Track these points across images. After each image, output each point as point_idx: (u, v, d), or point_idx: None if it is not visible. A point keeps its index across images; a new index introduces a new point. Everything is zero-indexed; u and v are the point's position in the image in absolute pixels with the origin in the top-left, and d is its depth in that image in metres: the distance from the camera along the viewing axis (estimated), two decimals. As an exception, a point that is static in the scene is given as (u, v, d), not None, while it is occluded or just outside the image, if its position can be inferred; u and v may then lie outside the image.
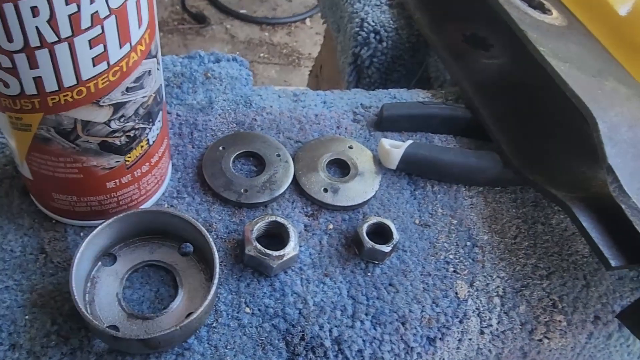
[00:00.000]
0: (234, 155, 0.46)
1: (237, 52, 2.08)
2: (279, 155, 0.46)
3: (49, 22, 0.27)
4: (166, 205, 0.43)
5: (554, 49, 0.47)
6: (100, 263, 0.39)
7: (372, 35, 0.61)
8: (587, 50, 0.50)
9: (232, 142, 0.47)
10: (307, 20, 2.30)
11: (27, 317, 0.36)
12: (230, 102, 0.51)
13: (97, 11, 0.28)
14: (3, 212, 0.41)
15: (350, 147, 0.48)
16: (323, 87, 1.03)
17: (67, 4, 0.27)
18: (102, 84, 0.32)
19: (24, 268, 0.38)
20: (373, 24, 0.61)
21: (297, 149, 0.48)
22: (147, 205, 0.42)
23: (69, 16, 0.28)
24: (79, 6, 0.28)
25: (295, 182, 0.45)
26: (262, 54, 2.15)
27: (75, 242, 0.40)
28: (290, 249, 0.40)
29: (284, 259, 0.39)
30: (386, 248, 0.41)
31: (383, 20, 0.62)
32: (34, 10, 0.27)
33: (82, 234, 0.41)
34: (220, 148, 0.46)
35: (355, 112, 0.52)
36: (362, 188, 0.45)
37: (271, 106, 0.51)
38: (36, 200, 0.41)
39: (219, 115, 0.49)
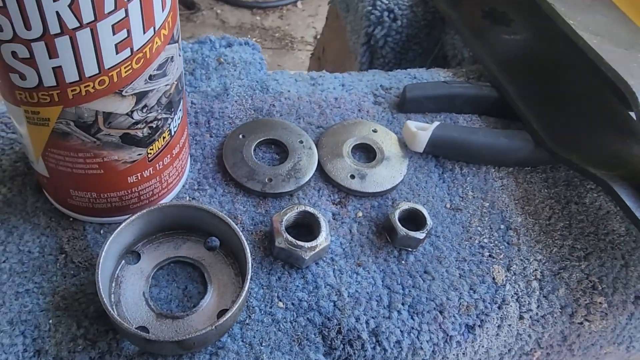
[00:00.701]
0: (255, 143, 0.44)
1: (230, 37, 2.04)
2: (301, 142, 0.44)
3: (70, 6, 0.25)
4: (187, 198, 0.41)
5: (583, 21, 0.45)
6: (123, 261, 0.37)
7: (386, 13, 0.59)
8: (615, 22, 0.48)
9: (251, 129, 0.45)
10: (299, 3, 2.26)
11: (51, 321, 0.34)
12: (246, 87, 0.48)
13: (120, -7, 0.26)
14: (17, 211, 0.39)
15: (375, 131, 0.46)
16: (327, 69, 1.00)
17: (89, -14, 0.25)
18: (125, 72, 0.29)
19: (44, 270, 0.36)
20: (387, 2, 0.59)
21: (320, 134, 0.46)
22: (168, 198, 0.40)
23: (92, -1, 0.25)
24: (101, -12, 0.25)
25: (320, 169, 0.44)
26: (254, 39, 2.11)
27: (95, 240, 0.38)
28: (322, 240, 0.38)
29: (317, 250, 0.38)
30: (420, 235, 0.39)
31: (396, -2, 0.60)
32: (54, -7, 0.25)
33: (102, 231, 0.39)
34: (240, 136, 0.44)
35: (376, 94, 0.50)
36: (389, 173, 0.44)
37: (289, 91, 0.49)
38: (52, 198, 0.39)
39: (235, 101, 0.47)
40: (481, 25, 0.55)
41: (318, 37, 2.13)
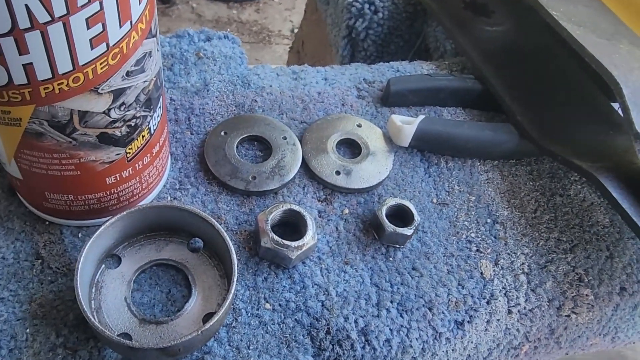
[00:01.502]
0: (238, 140, 0.43)
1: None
2: (285, 138, 0.43)
3: (40, -1, 0.24)
4: (169, 198, 0.40)
5: (566, 12, 0.45)
6: (103, 266, 0.36)
7: (367, 6, 0.58)
8: (597, 13, 0.48)
9: (233, 126, 0.43)
10: (276, -4, 2.24)
11: (27, 330, 0.33)
12: (227, 83, 0.47)
13: (94, -15, 0.25)
14: (-11, 215, 0.37)
15: (359, 126, 0.45)
16: (307, 62, 0.99)
17: (60, -23, 0.24)
18: (101, 68, 0.28)
19: (19, 276, 0.35)
20: (367, -7, 0.58)
21: (303, 130, 0.45)
22: (148, 199, 0.39)
23: (64, -9, 0.24)
24: (74, -21, 0.24)
25: (304, 165, 0.43)
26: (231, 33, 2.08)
27: (73, 245, 0.37)
28: (309, 238, 0.37)
29: (303, 249, 0.37)
30: (408, 231, 0.39)
31: (377, -10, 0.59)
32: (23, -14, 0.23)
33: (80, 234, 0.37)
34: (222, 133, 0.43)
35: (359, 87, 0.50)
36: (375, 168, 0.43)
37: (271, 85, 0.48)
38: (26, 201, 0.37)
39: (216, 97, 0.46)
40: (463, 16, 0.54)
41: (295, 30, 2.11)
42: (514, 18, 0.53)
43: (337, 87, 0.49)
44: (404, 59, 0.56)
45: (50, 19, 0.25)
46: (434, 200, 0.43)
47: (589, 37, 0.43)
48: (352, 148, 0.45)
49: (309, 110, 0.47)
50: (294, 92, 0.48)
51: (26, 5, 0.24)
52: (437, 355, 0.38)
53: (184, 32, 0.50)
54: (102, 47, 0.27)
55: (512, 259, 0.41)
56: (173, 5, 2.06)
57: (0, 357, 0.32)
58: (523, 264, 0.41)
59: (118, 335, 0.32)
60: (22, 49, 0.25)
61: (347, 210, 0.41)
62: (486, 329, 0.39)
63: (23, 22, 0.24)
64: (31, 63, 0.26)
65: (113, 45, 0.28)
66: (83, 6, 0.25)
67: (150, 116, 0.34)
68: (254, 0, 2.21)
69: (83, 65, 0.27)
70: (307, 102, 0.47)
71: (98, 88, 0.29)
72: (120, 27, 0.27)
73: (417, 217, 0.39)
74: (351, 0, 0.58)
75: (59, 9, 0.25)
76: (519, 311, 0.40)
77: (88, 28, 0.26)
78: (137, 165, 0.35)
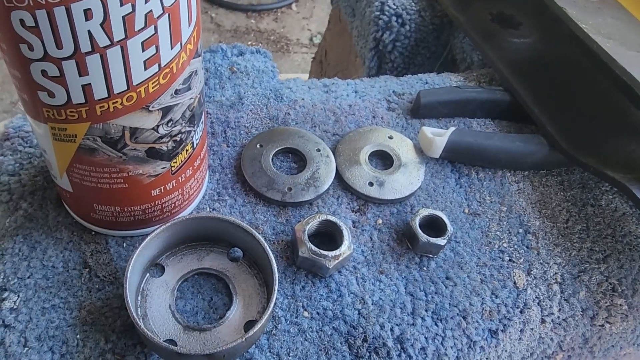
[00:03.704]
0: (273, 152, 0.44)
1: (224, 41, 2.04)
2: (318, 150, 0.45)
3: (102, 25, 0.25)
4: (208, 208, 0.41)
5: (595, 25, 0.45)
6: (148, 274, 0.37)
7: (394, 18, 0.59)
8: (625, 25, 0.48)
9: (268, 138, 0.45)
10: (294, 5, 2.26)
11: (78, 336, 0.34)
12: (260, 96, 0.49)
13: (151, 10, 0.26)
14: (39, 226, 0.39)
15: (390, 137, 0.46)
16: (329, 72, 1.00)
17: (121, 5, 0.25)
18: (153, 87, 0.29)
19: (68, 284, 0.36)
20: (394, 6, 0.59)
21: (336, 142, 0.46)
22: (188, 210, 0.40)
23: (123, 17, 0.26)
24: (133, 6, 0.25)
25: (338, 177, 0.44)
26: (249, 42, 2.11)
27: (118, 254, 0.38)
28: (345, 248, 0.38)
29: (340, 258, 0.38)
30: (442, 241, 0.40)
31: (404, 3, 0.60)
32: (87, 13, 0.25)
33: (124, 244, 0.39)
34: (258, 146, 0.44)
35: (389, 100, 0.51)
36: (407, 179, 0.44)
37: (303, 99, 0.49)
38: (74, 212, 0.39)
39: (251, 110, 0.47)
40: (490, 28, 0.55)
41: (314, 39, 2.14)
42: (541, 30, 0.53)
43: (368, 99, 0.50)
44: (430, 70, 0.57)
45: (109, 42, 0.26)
46: (466, 211, 0.44)
47: (619, 49, 0.43)
48: (384, 159, 0.46)
49: (341, 123, 0.48)
50: (326, 105, 0.49)
51: (89, 31, 0.25)
52: (472, 363, 0.39)
53: (217, 47, 0.52)
54: (154, 68, 0.29)
55: (545, 269, 0.41)
56: (194, 16, 2.09)
57: (53, 362, 0.33)
58: (556, 273, 0.41)
59: (164, 342, 0.33)
60: (82, 71, 0.27)
61: (380, 221, 0.42)
62: (520, 338, 0.40)
63: (85, 46, 0.26)
64: (90, 84, 0.28)
65: (164, 66, 0.29)
66: (139, 30, 0.27)
67: (194, 131, 0.35)
68: (272, 10, 2.24)
69: (137, 85, 0.29)
70: (339, 115, 0.48)
71: (149, 106, 0.30)
72: (172, 48, 0.29)
73: (449, 227, 0.40)
74: (378, 13, 0.60)
75: (118, 34, 0.26)
76: (552, 320, 0.40)
77: (143, 50, 0.28)
78: (180, 178, 0.37)
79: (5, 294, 0.35)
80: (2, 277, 0.36)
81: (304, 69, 1.97)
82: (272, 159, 0.44)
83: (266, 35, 2.16)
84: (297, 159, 0.45)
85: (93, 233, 0.39)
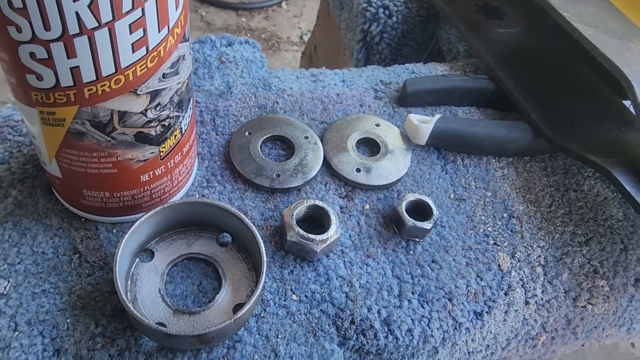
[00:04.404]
0: (261, 140, 0.44)
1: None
2: (306, 137, 0.45)
3: (89, 6, 0.26)
4: (197, 195, 0.42)
5: (577, 13, 0.46)
6: (138, 259, 0.37)
7: (381, 10, 0.60)
8: (607, 14, 0.49)
9: (257, 126, 0.45)
10: (284, 4, 2.26)
11: (68, 320, 0.35)
12: (249, 85, 0.49)
13: (138, -8, 0.27)
14: (29, 213, 0.39)
15: (377, 125, 0.47)
16: (318, 66, 1.01)
17: (108, -14, 0.25)
18: (141, 71, 0.30)
19: (58, 270, 0.37)
20: (381, -2, 0.60)
21: (324, 129, 0.47)
22: (178, 196, 0.41)
23: (110, -1, 0.26)
24: (120, -12, 0.26)
25: (326, 163, 0.44)
26: (240, 40, 2.10)
27: (108, 240, 0.39)
28: (333, 232, 0.39)
29: (327, 242, 0.38)
30: (428, 225, 0.40)
31: (391, -6, 0.61)
32: (75, -6, 0.25)
33: (114, 230, 0.39)
34: (246, 133, 0.45)
35: (376, 89, 0.51)
36: (394, 166, 0.45)
37: (291, 88, 0.50)
38: (63, 198, 0.39)
39: (239, 99, 0.48)
40: (475, 19, 0.56)
41: (304, 37, 2.14)
42: (525, 20, 0.54)
43: (355, 88, 0.51)
44: (417, 61, 0.57)
45: (97, 24, 0.27)
46: (452, 196, 0.45)
47: (600, 37, 0.44)
48: (371, 147, 0.47)
49: (329, 111, 0.48)
50: (314, 94, 0.49)
51: (76, 12, 0.26)
52: (457, 344, 0.39)
53: (206, 38, 0.52)
54: (142, 51, 0.29)
55: (529, 252, 0.42)
56: (184, 14, 2.09)
57: (43, 345, 0.33)
58: (539, 256, 0.42)
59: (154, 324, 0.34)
60: (70, 53, 0.27)
61: (367, 206, 0.43)
62: (504, 320, 0.40)
63: (73, 28, 0.26)
64: (78, 66, 0.28)
65: (152, 49, 0.30)
66: (127, 12, 0.27)
67: (182, 116, 0.36)
68: (263, 8, 2.24)
69: (124, 67, 0.29)
70: (327, 103, 0.49)
71: (137, 89, 0.31)
72: (159, 31, 0.29)
73: (435, 212, 0.41)
74: (366, 5, 0.60)
75: (106, 15, 0.26)
76: (536, 302, 0.41)
77: (130, 33, 0.28)
78: (169, 163, 0.37)
79: (-5, 279, 0.35)
80: (-9, 262, 0.36)
81: (294, 67, 1.97)
82: (261, 147, 0.44)
83: (257, 33, 2.16)
84: (286, 147, 0.45)
85: (83, 219, 0.39)
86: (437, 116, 0.46)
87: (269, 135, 0.45)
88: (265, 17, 2.21)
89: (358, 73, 0.53)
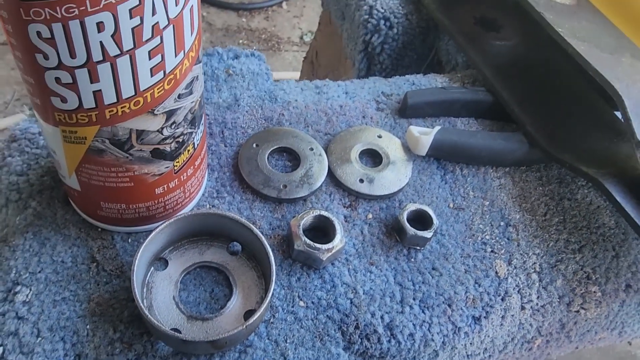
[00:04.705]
0: (269, 151, 0.46)
1: (215, 40, 2.05)
2: (311, 149, 0.47)
3: (112, 36, 0.28)
4: (207, 205, 0.44)
5: (570, 28, 0.48)
6: (153, 268, 0.39)
7: (382, 22, 0.62)
8: (600, 28, 0.51)
9: (264, 138, 0.47)
10: (284, 4, 2.28)
11: (88, 326, 0.37)
12: (256, 98, 0.51)
13: (157, 22, 0.29)
14: (48, 223, 0.41)
15: (379, 136, 0.49)
16: (320, 73, 1.03)
17: (131, 17, 0.27)
18: (158, 93, 0.32)
19: (77, 278, 0.38)
20: (382, 10, 0.62)
21: (328, 141, 0.49)
22: (189, 207, 0.43)
23: (132, 29, 0.28)
24: (142, 19, 0.28)
25: (330, 174, 0.46)
26: (240, 41, 2.12)
27: (124, 249, 0.40)
28: (338, 241, 0.41)
29: (333, 251, 0.40)
30: (428, 234, 0.42)
31: (392, 7, 0.62)
32: (100, 26, 0.27)
33: (129, 240, 0.41)
34: (254, 145, 0.46)
35: (378, 100, 0.53)
36: (395, 176, 0.46)
37: (296, 100, 0.51)
38: (81, 210, 0.41)
39: (247, 112, 0.50)
40: (473, 31, 0.58)
41: (304, 37, 2.16)
42: (522, 33, 0.56)
43: (358, 100, 0.53)
44: (417, 71, 0.59)
45: (119, 52, 0.28)
46: (451, 205, 0.46)
47: (592, 51, 0.46)
48: (373, 157, 0.49)
49: (332, 123, 0.50)
50: (318, 106, 0.51)
51: (101, 42, 0.28)
52: (457, 348, 0.41)
53: (213, 51, 0.54)
54: (160, 75, 0.31)
55: (525, 259, 0.44)
56: (185, 16, 2.10)
57: (64, 350, 0.35)
58: (535, 263, 0.44)
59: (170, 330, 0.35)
60: (93, 78, 0.29)
61: (370, 215, 0.45)
62: (501, 324, 0.42)
63: (96, 56, 0.28)
64: (100, 90, 0.30)
65: (169, 72, 0.31)
66: (147, 41, 0.29)
67: (195, 132, 0.38)
68: (263, 8, 2.25)
69: (143, 90, 0.31)
70: (330, 115, 0.51)
71: (154, 110, 0.33)
72: (176, 56, 0.31)
73: (435, 221, 0.43)
74: (367, 16, 0.62)
75: (128, 44, 0.28)
76: (531, 307, 0.43)
77: (150, 59, 0.30)
78: (182, 176, 0.39)
79: (18, 288, 0.37)
80: (14, 272, 0.38)
81: (295, 67, 1.99)
82: (268, 158, 0.46)
83: (257, 33, 2.18)
84: (292, 158, 0.47)
85: (99, 229, 0.41)
86: (437, 128, 0.47)
87: (275, 147, 0.47)
88: (266, 18, 2.23)
89: (360, 85, 0.55)
